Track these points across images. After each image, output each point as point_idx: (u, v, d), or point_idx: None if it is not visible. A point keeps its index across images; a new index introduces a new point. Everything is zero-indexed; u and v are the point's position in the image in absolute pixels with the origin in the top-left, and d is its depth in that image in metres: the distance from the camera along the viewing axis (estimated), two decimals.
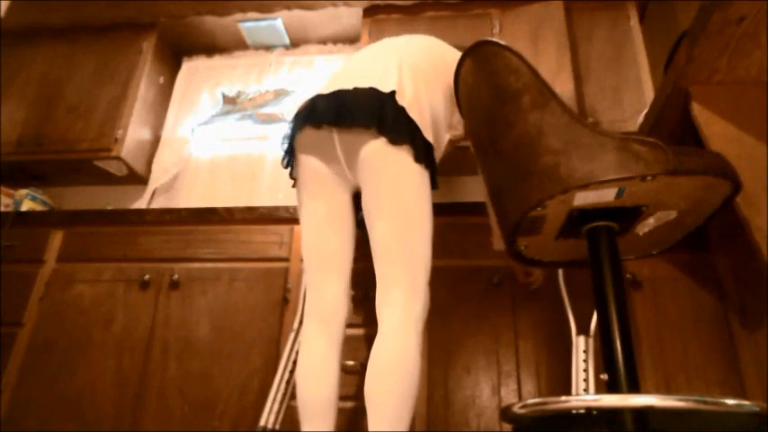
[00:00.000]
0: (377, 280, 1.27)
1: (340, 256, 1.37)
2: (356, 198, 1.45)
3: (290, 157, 1.44)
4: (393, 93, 1.29)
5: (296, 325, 1.62)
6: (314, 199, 1.38)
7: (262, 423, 1.52)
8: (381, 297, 1.24)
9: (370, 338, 1.79)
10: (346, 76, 1.40)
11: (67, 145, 2.66)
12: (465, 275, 1.82)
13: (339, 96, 1.32)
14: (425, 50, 1.52)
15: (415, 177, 1.27)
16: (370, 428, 1.13)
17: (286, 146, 1.45)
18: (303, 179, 1.40)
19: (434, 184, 1.35)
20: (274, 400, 1.55)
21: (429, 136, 1.31)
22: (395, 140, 1.25)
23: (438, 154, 1.45)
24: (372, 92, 1.30)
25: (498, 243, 1.64)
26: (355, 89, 1.32)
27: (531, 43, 2.51)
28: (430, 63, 1.47)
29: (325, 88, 1.39)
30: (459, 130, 1.54)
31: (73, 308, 1.99)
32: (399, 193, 1.26)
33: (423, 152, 1.28)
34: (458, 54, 1.63)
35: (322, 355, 1.30)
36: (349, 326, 1.81)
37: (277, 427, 1.49)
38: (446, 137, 1.49)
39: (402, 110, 1.28)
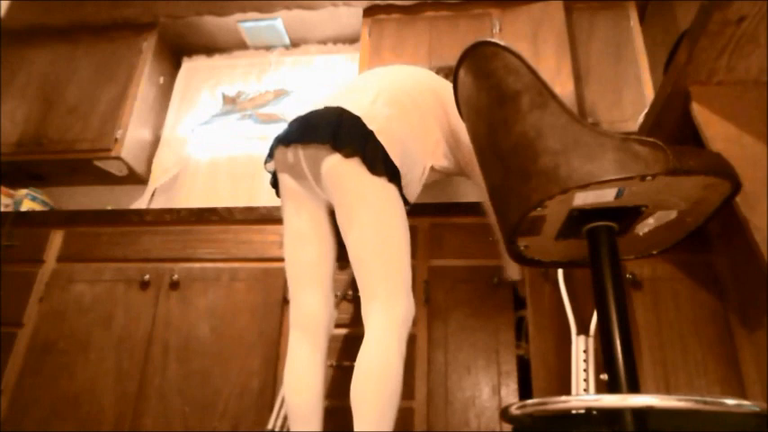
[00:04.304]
0: (359, 290, 1.31)
1: (317, 269, 1.41)
2: None
3: (274, 177, 1.51)
4: (349, 112, 1.34)
5: None
6: (291, 215, 1.44)
7: (270, 426, 1.53)
8: (364, 306, 1.29)
9: None
10: (325, 100, 1.46)
11: (67, 145, 2.66)
12: (465, 275, 1.82)
13: (308, 116, 1.39)
14: (409, 80, 1.55)
15: (376, 189, 1.30)
16: (355, 429, 1.18)
17: (271, 168, 1.51)
18: (282, 197, 1.47)
19: (405, 202, 1.37)
20: (282, 404, 1.55)
21: (396, 160, 1.34)
22: (349, 154, 1.30)
23: (411, 181, 1.44)
24: (337, 110, 1.36)
25: (513, 272, 1.65)
26: (325, 108, 1.38)
27: (531, 43, 2.51)
28: (409, 94, 1.49)
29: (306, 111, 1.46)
30: (450, 162, 1.54)
31: (73, 308, 1.99)
32: (363, 206, 1.30)
33: (381, 165, 1.31)
34: (443, 83, 1.62)
35: (305, 362, 1.36)
36: (348, 326, 1.81)
37: (285, 429, 1.50)
38: (424, 165, 1.49)
39: (357, 124, 1.32)
